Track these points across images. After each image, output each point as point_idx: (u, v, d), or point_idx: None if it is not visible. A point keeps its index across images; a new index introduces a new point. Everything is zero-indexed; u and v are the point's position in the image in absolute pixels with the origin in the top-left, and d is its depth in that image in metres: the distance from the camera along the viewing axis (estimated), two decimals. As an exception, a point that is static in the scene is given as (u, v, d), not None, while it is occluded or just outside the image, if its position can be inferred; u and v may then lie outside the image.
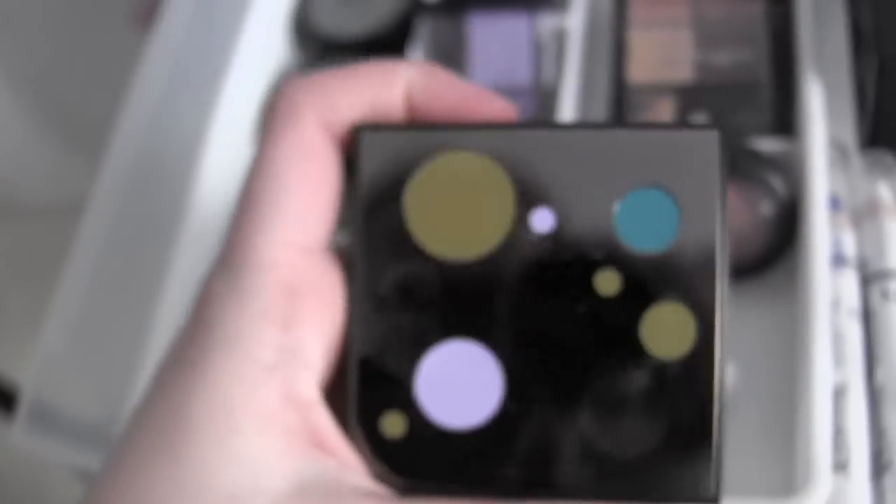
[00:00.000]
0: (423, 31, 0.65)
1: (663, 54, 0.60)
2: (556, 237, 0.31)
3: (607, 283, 0.31)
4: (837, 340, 0.51)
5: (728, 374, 0.43)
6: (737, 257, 0.55)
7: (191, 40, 0.67)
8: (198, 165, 0.65)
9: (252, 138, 0.70)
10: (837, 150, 0.57)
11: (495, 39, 0.62)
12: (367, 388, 0.32)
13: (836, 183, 0.56)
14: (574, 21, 0.62)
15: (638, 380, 0.31)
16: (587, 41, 0.64)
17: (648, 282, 0.31)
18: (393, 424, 0.32)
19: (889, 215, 0.54)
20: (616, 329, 0.31)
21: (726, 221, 0.30)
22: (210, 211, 0.65)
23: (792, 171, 0.55)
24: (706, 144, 0.30)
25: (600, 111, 0.62)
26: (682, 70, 0.60)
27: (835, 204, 0.55)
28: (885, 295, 0.52)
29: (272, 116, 0.33)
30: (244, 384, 0.30)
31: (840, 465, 0.48)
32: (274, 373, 0.31)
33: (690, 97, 0.59)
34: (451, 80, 0.33)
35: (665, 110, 0.59)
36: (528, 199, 0.31)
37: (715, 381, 0.30)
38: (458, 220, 0.32)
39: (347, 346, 0.32)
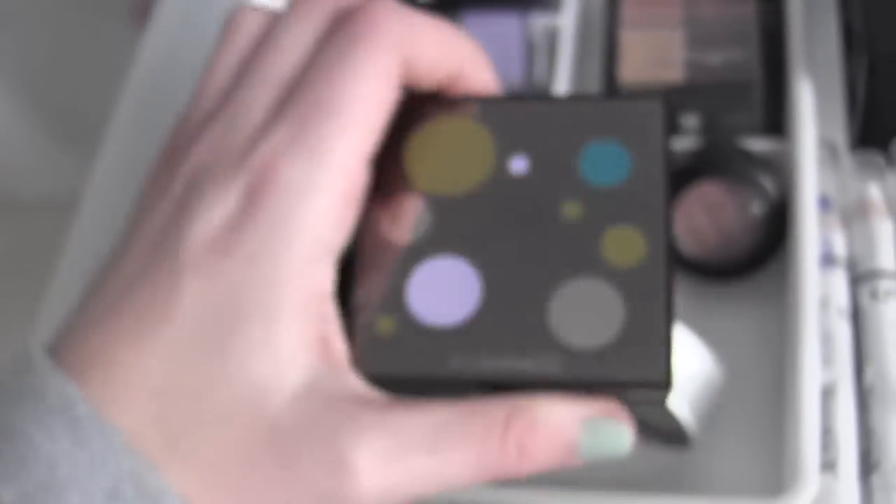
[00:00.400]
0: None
1: (655, 54, 0.60)
2: (529, 177, 0.38)
3: (572, 209, 0.37)
4: (826, 340, 0.51)
5: (718, 370, 0.44)
6: (727, 257, 0.56)
7: (184, 37, 0.67)
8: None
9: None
10: (828, 150, 0.57)
11: (487, 39, 0.62)
12: (366, 297, 0.37)
13: (826, 183, 0.56)
14: (566, 20, 0.62)
15: (598, 285, 0.37)
16: (579, 41, 0.64)
17: (606, 210, 0.37)
18: (385, 325, 0.37)
19: (879, 215, 0.54)
20: (579, 245, 0.37)
21: (668, 167, 0.37)
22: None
23: (782, 170, 0.55)
24: (653, 110, 0.38)
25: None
26: (674, 70, 0.60)
27: (825, 204, 0.55)
28: (874, 295, 0.52)
29: (354, 28, 0.35)
30: (294, 276, 0.33)
31: (828, 465, 0.48)
32: (316, 266, 0.34)
33: (681, 97, 0.59)
34: (447, 43, 0.37)
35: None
36: (506, 149, 0.38)
37: (664, 285, 0.36)
38: (448, 166, 0.38)
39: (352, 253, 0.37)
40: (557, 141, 0.38)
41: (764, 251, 0.56)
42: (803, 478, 0.46)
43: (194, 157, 0.35)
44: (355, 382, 0.35)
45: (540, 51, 0.62)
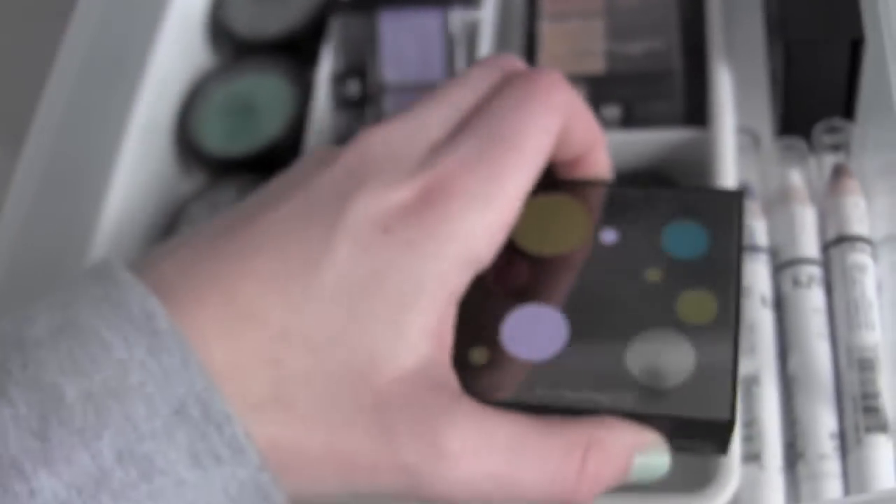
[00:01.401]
0: (335, 28, 0.64)
1: (575, 45, 0.59)
2: (618, 247, 0.42)
3: (653, 274, 0.42)
4: (750, 329, 0.51)
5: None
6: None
7: (105, 38, 0.66)
8: (113, 165, 0.64)
9: (168, 137, 0.69)
10: (749, 138, 0.57)
11: (407, 35, 0.62)
12: (464, 329, 0.40)
13: (748, 171, 0.56)
14: (486, 14, 0.61)
15: (672, 335, 0.40)
16: (499, 34, 0.63)
17: (683, 276, 0.42)
18: (478, 355, 0.40)
19: (800, 202, 0.54)
20: (658, 302, 0.41)
21: (741, 246, 0.42)
22: (125, 212, 0.64)
23: (703, 159, 0.55)
24: (734, 200, 0.43)
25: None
26: (594, 61, 0.59)
27: (746, 191, 0.55)
28: (796, 282, 0.51)
29: (533, 85, 0.39)
30: (440, 274, 0.36)
31: (753, 456, 0.48)
32: (460, 272, 0.36)
33: (602, 88, 0.59)
34: (591, 124, 0.42)
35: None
36: (600, 223, 0.43)
37: (732, 338, 0.40)
38: (548, 232, 0.43)
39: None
40: (646, 219, 0.43)
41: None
42: (724, 470, 0.46)
43: (375, 146, 0.38)
44: (455, 380, 0.37)
45: (460, 45, 0.62)
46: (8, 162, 0.64)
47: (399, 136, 0.38)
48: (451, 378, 0.37)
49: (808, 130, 0.55)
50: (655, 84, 0.58)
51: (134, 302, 0.33)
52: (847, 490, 0.47)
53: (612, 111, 0.58)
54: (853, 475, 0.47)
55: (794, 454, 0.48)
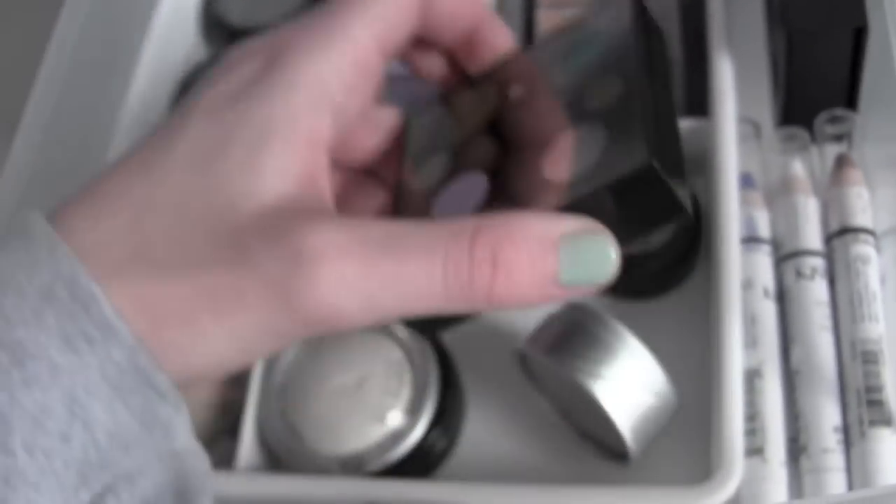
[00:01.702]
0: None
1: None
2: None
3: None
4: (752, 321, 0.50)
5: (670, 394, 0.47)
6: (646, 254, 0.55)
7: (97, 29, 0.65)
8: (105, 157, 0.63)
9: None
10: (751, 128, 0.56)
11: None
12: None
13: (750, 161, 0.55)
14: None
15: (586, 128, 0.36)
16: (496, 22, 0.62)
17: (587, 73, 0.38)
18: None
19: (803, 193, 0.53)
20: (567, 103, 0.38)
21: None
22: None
23: (704, 150, 0.54)
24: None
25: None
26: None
27: (748, 182, 0.54)
28: (799, 274, 0.51)
29: None
30: (289, 117, 0.35)
31: (756, 450, 0.47)
32: (314, 115, 0.36)
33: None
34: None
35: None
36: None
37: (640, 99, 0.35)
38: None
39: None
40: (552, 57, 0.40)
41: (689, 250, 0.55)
42: (728, 463, 0.45)
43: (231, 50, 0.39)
44: (329, 208, 0.36)
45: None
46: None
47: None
48: (321, 206, 0.35)
49: (810, 120, 0.55)
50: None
51: (17, 221, 0.34)
52: (851, 484, 0.46)
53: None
54: (857, 469, 0.46)
55: (797, 448, 0.48)
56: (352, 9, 0.38)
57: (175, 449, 0.34)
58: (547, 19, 0.60)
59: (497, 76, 0.41)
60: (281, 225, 0.33)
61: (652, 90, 0.36)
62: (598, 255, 0.33)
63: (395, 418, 0.50)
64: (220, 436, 0.56)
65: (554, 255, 0.33)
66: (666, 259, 0.54)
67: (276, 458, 0.53)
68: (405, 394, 0.51)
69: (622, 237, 0.34)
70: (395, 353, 0.52)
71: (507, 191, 0.37)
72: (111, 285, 0.33)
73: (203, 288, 0.33)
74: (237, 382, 0.55)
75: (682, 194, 0.34)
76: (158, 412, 0.33)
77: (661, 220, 0.35)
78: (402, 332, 0.52)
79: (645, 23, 0.38)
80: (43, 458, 0.31)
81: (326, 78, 0.36)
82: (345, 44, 0.37)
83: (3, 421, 0.30)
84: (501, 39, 0.41)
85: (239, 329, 0.33)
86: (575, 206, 0.34)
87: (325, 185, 0.36)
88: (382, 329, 0.52)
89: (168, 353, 0.33)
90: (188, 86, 0.69)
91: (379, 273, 0.32)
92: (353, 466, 0.50)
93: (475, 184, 0.38)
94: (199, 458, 0.35)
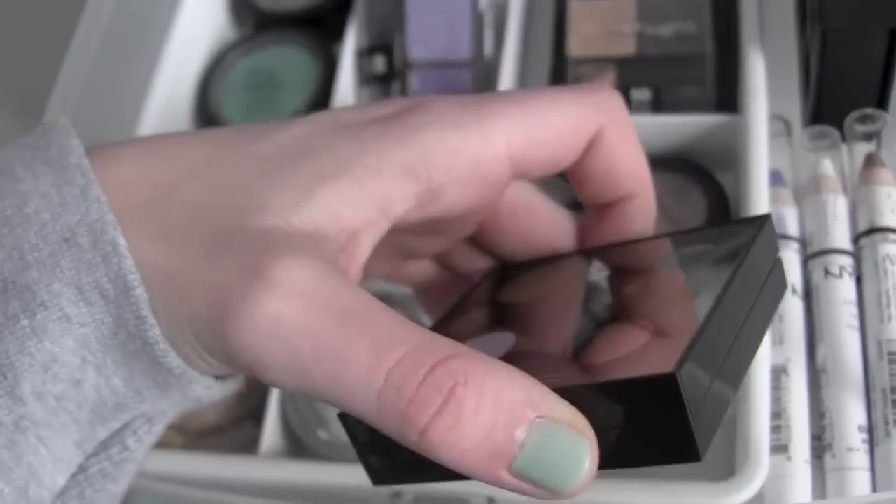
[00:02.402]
0: (361, 2, 0.64)
1: (605, 26, 0.59)
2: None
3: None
4: (780, 319, 0.50)
5: None
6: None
7: (127, 8, 0.65)
8: (134, 136, 0.63)
9: (188, 112, 0.68)
10: (781, 125, 0.56)
11: (435, 12, 0.61)
12: None
13: (780, 159, 0.55)
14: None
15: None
16: (527, 13, 0.62)
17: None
18: None
19: (832, 191, 0.53)
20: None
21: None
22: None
23: (735, 146, 0.54)
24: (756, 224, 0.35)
25: (541, 85, 0.60)
26: (624, 42, 0.58)
27: (778, 180, 0.54)
28: (827, 272, 0.51)
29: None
30: (378, 167, 0.32)
31: (780, 447, 0.47)
32: (403, 181, 0.32)
33: (632, 70, 0.58)
34: (635, 148, 0.36)
35: (607, 82, 0.58)
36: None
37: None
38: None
39: None
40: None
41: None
42: (753, 460, 0.45)
43: None
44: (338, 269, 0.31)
45: (488, 24, 0.61)
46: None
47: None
48: (335, 258, 0.31)
49: (841, 119, 0.55)
50: (686, 67, 0.57)
51: (54, 143, 0.32)
52: (875, 484, 0.46)
53: (642, 94, 0.57)
54: (881, 469, 0.46)
55: (821, 446, 0.48)
56: (501, 107, 0.33)
57: (194, 397, 0.33)
58: (579, 10, 0.59)
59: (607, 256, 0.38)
60: (273, 241, 0.30)
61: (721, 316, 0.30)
62: (570, 457, 0.27)
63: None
64: (243, 420, 0.56)
65: (520, 432, 0.27)
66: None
67: (300, 445, 0.53)
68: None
69: (609, 454, 0.28)
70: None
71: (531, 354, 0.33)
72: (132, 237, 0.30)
73: (178, 264, 0.31)
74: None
75: (703, 433, 0.28)
76: (169, 381, 0.32)
77: (663, 454, 0.28)
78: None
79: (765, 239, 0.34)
80: (54, 402, 0.31)
81: (433, 153, 0.32)
82: (474, 133, 0.33)
83: (11, 370, 0.30)
84: (641, 221, 0.38)
85: (175, 311, 0.30)
86: (575, 391, 0.28)
87: (363, 250, 0.32)
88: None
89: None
90: (216, 68, 0.69)
91: (319, 340, 0.28)
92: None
93: (504, 340, 0.34)
94: (224, 390, 0.34)
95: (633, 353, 0.29)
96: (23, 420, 0.30)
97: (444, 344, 0.27)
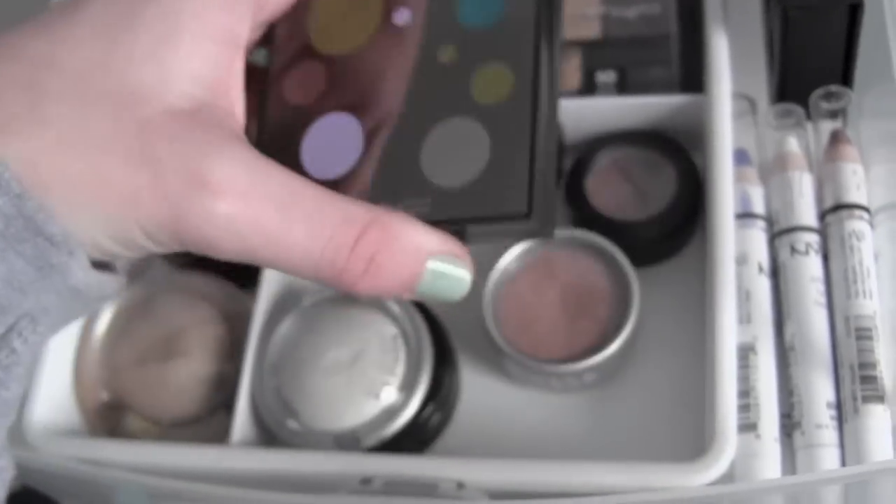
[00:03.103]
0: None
1: (569, 9, 0.58)
2: (411, 27, 0.39)
3: (447, 53, 0.38)
4: (747, 297, 0.50)
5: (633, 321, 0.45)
6: (649, 219, 0.55)
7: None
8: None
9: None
10: (746, 104, 0.56)
11: None
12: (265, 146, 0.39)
13: (745, 137, 0.55)
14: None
15: (467, 123, 0.37)
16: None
17: (477, 50, 0.38)
18: None
19: (798, 169, 0.53)
20: (453, 87, 0.38)
21: (539, 6, 0.37)
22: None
23: (700, 126, 0.54)
24: None
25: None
26: (589, 25, 0.58)
27: (743, 158, 0.54)
28: (794, 249, 0.51)
29: None
30: (200, 13, 0.34)
31: (749, 426, 0.47)
32: (227, 15, 0.35)
33: (598, 52, 0.58)
34: None
35: (572, 67, 0.58)
36: (391, 5, 0.39)
37: (529, 117, 0.36)
38: (343, 26, 0.40)
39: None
40: None
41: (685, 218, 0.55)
42: (721, 439, 0.45)
43: None
44: (239, 128, 0.36)
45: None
46: None
47: None
48: (232, 123, 0.35)
49: (806, 97, 0.55)
50: (651, 49, 0.57)
51: None
52: (844, 460, 0.46)
53: (608, 76, 0.57)
54: (850, 445, 0.46)
55: (790, 424, 0.48)
56: None
57: (73, 285, 0.33)
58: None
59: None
60: (191, 140, 0.33)
61: (541, 104, 0.37)
62: (455, 279, 0.36)
63: (389, 394, 0.50)
64: (217, 411, 0.56)
65: (420, 270, 0.35)
66: (664, 228, 0.55)
67: (272, 435, 0.53)
68: (400, 369, 0.51)
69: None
70: (390, 329, 0.51)
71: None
72: (2, 142, 0.32)
73: (100, 177, 0.33)
74: (231, 356, 0.56)
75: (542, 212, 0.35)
76: (51, 259, 0.32)
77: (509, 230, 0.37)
78: (396, 308, 0.52)
79: None
80: None
81: None
82: None
83: None
84: None
85: (122, 222, 0.33)
86: (448, 222, 0.36)
87: (238, 94, 0.36)
88: (376, 304, 0.52)
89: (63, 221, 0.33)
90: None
91: (265, 230, 0.33)
92: (349, 442, 0.50)
93: (350, 129, 0.39)
94: (103, 287, 0.35)
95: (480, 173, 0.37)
96: None
97: (361, 213, 0.34)
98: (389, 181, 0.38)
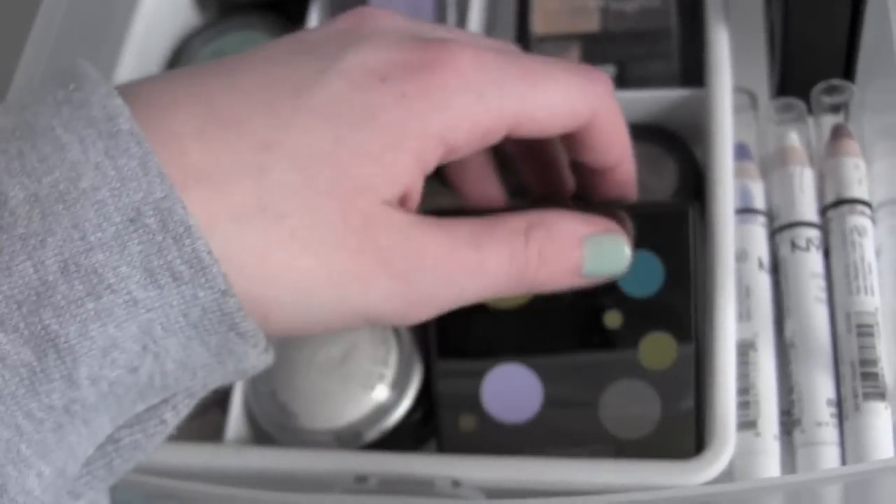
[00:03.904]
0: (323, -17, 0.63)
1: (568, 2, 0.58)
2: (573, 289, 0.41)
3: (612, 319, 0.45)
4: (747, 293, 0.49)
5: None
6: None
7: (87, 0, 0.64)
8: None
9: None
10: (747, 98, 0.55)
11: (397, -9, 0.60)
12: (447, 405, 0.48)
13: (746, 132, 0.54)
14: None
15: (639, 384, 0.45)
16: (491, -9, 0.61)
17: (642, 319, 0.44)
18: (467, 423, 0.48)
19: (799, 164, 0.52)
20: (621, 352, 0.45)
21: (698, 274, 0.44)
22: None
23: (700, 120, 0.53)
24: (681, 217, 0.44)
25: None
26: (588, 18, 0.58)
27: (744, 153, 0.53)
28: (794, 245, 0.50)
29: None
30: (428, 125, 0.35)
31: (749, 423, 0.47)
32: (439, 146, 0.36)
33: (597, 46, 0.57)
34: (625, 132, 0.42)
35: (571, 60, 0.57)
36: None
37: (693, 381, 0.45)
38: None
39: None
40: None
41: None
42: (720, 437, 0.45)
43: (378, 16, 0.38)
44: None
45: (451, 4, 0.60)
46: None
47: (403, 19, 0.39)
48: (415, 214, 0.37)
49: (807, 92, 0.54)
50: (651, 43, 0.57)
51: (96, 103, 0.30)
52: (844, 458, 0.46)
53: (607, 71, 0.56)
54: (850, 443, 0.46)
55: (790, 421, 0.47)
56: (525, 89, 0.38)
57: (243, 369, 0.33)
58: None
59: None
60: (400, 225, 0.35)
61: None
62: (613, 253, 0.40)
63: (385, 387, 0.50)
64: (211, 408, 0.56)
65: (579, 251, 0.39)
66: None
67: (268, 437, 0.52)
68: (393, 359, 0.50)
69: None
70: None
71: None
72: (228, 231, 0.31)
73: (330, 267, 0.33)
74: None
75: None
76: (234, 349, 0.32)
77: None
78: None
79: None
80: (106, 387, 0.30)
81: (461, 124, 0.36)
82: (494, 110, 0.37)
83: (70, 354, 0.29)
84: (618, 190, 0.44)
85: (353, 306, 0.35)
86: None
87: (415, 199, 0.37)
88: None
89: (271, 308, 0.33)
90: (180, 53, 0.68)
91: (470, 268, 0.37)
92: (346, 439, 0.50)
93: (525, 378, 0.47)
94: (265, 364, 0.35)
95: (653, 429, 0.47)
96: (74, 404, 0.30)
97: (519, 221, 0.38)
98: (572, 430, 0.46)
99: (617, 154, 0.42)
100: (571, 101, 0.38)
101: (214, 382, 0.34)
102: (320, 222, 0.33)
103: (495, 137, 0.37)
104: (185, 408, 0.34)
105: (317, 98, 0.33)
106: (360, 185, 0.34)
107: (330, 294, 0.34)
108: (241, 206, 0.31)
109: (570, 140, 0.41)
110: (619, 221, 0.41)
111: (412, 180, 0.35)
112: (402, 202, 0.36)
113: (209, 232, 0.30)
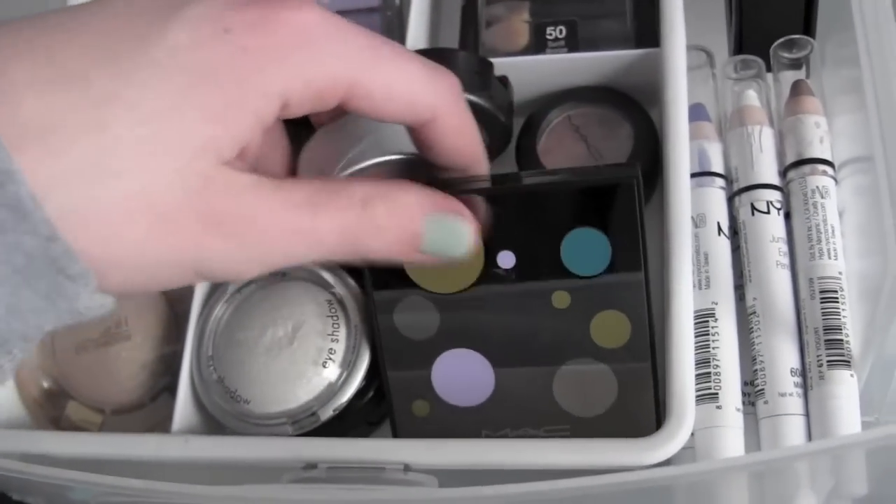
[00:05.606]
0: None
1: (517, -37, 0.56)
2: (517, 270, 0.43)
3: (560, 300, 0.43)
4: (706, 260, 0.48)
5: None
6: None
7: None
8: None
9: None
10: (704, 56, 0.53)
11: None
12: (399, 391, 0.47)
13: (703, 91, 0.52)
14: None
15: (593, 363, 0.44)
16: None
17: (592, 297, 0.43)
18: (420, 408, 0.47)
19: (758, 123, 0.50)
20: (573, 332, 0.44)
21: (646, 248, 0.42)
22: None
23: (656, 81, 0.51)
24: (628, 191, 0.41)
25: (452, 27, 0.57)
26: (538, -22, 0.56)
27: (700, 113, 0.51)
28: (754, 208, 0.48)
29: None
30: (267, 90, 0.35)
31: (710, 395, 0.45)
32: (277, 100, 0.35)
33: (548, 5, 0.55)
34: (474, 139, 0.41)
35: (519, 21, 0.55)
36: (494, 245, 0.43)
37: (650, 356, 0.44)
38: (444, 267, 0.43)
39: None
40: (540, 231, 0.42)
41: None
42: (678, 413, 0.43)
43: None
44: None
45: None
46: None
47: None
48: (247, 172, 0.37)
49: (767, 51, 0.52)
50: (604, 1, 0.55)
51: None
52: (809, 428, 0.44)
53: (558, 31, 0.54)
54: (815, 413, 0.44)
55: (753, 392, 0.46)
56: (380, 52, 0.38)
57: (76, 308, 0.33)
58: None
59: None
60: (241, 187, 0.35)
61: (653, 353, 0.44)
62: (455, 234, 0.39)
63: (335, 365, 0.48)
64: (160, 395, 0.54)
65: (417, 226, 0.38)
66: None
67: (215, 421, 0.51)
68: (342, 333, 0.48)
69: None
70: (324, 295, 0.49)
71: None
72: (70, 185, 0.31)
73: (165, 227, 0.34)
74: (169, 337, 0.54)
75: None
76: (65, 291, 0.32)
77: None
78: (328, 275, 0.50)
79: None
80: None
81: (298, 81, 0.36)
82: (330, 70, 0.37)
83: None
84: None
85: (184, 265, 0.35)
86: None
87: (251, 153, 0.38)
88: (306, 276, 0.50)
89: (109, 267, 0.33)
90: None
91: (303, 232, 0.36)
92: (301, 421, 0.48)
93: (475, 363, 0.46)
94: (103, 307, 0.35)
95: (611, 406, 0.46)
96: None
97: (363, 189, 0.37)
98: (529, 411, 0.45)
99: (465, 160, 0.41)
100: (411, 90, 0.38)
101: (49, 324, 0.33)
102: (158, 183, 0.33)
103: (328, 103, 0.37)
104: (21, 352, 0.33)
105: (158, 49, 0.33)
106: (202, 145, 0.34)
107: (166, 254, 0.34)
108: (78, 162, 0.31)
109: (416, 136, 0.40)
110: (474, 208, 0.40)
111: (252, 137, 0.35)
112: (240, 156, 0.36)
113: (47, 188, 0.31)
